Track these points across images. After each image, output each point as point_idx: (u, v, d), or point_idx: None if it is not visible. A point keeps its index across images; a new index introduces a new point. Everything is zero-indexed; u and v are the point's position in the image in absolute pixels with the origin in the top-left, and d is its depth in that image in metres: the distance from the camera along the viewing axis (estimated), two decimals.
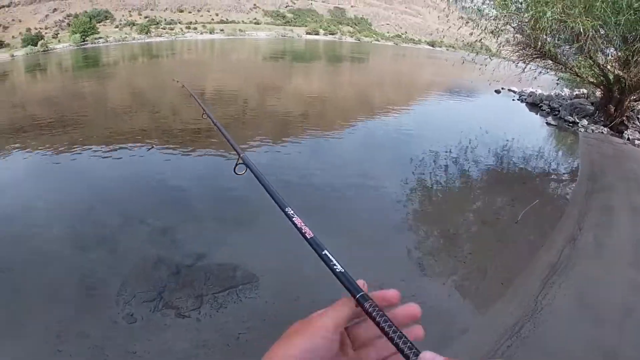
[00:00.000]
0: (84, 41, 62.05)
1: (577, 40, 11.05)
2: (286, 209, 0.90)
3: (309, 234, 0.82)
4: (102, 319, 3.69)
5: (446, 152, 9.43)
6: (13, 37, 66.90)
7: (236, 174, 1.32)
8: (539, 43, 12.36)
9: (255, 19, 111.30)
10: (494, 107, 17.69)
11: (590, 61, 13.09)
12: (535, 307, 4.11)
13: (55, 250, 4.81)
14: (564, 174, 8.85)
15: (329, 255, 0.74)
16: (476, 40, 14.32)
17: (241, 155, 1.27)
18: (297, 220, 0.85)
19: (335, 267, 0.72)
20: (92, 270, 4.39)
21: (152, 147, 8.80)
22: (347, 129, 11.52)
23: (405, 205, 6.55)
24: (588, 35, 10.28)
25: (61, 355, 3.34)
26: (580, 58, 13.53)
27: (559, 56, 13.86)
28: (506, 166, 8.99)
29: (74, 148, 8.71)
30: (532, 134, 12.42)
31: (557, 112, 15.56)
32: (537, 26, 10.91)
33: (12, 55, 48.09)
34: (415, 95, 20.63)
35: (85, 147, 8.79)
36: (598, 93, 15.74)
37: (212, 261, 4.51)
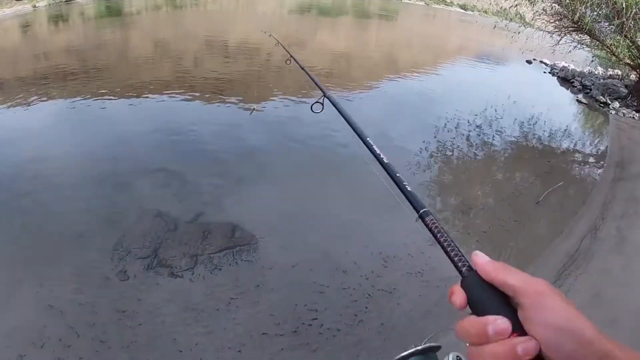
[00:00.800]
0: None
1: (619, 17, 10.36)
2: (366, 139, 1.06)
3: (386, 159, 0.93)
4: (96, 275, 3.57)
5: (470, 119, 9.03)
6: None
7: (313, 111, 1.62)
8: (577, 15, 11.63)
9: None
10: (523, 77, 16.95)
11: (629, 41, 12.35)
12: None
13: (61, 199, 4.67)
14: (591, 156, 8.43)
15: (401, 177, 0.85)
16: (511, 7, 13.60)
17: (326, 94, 1.56)
18: (375, 147, 0.99)
19: (406, 185, 0.80)
20: (93, 223, 4.25)
21: (172, 96, 8.60)
22: (371, 88, 11.19)
23: (422, 171, 6.29)
24: (631, 13, 9.61)
25: (52, 312, 3.24)
26: (618, 37, 12.77)
27: (597, 32, 13.09)
28: (531, 141, 8.59)
29: (94, 96, 8.50)
30: (561, 110, 11.89)
31: (588, 91, 14.85)
32: None
33: (35, 6, 47.20)
34: (443, 58, 19.92)
35: (105, 95, 8.56)
36: (633, 76, 14.93)
37: (212, 219, 4.31)
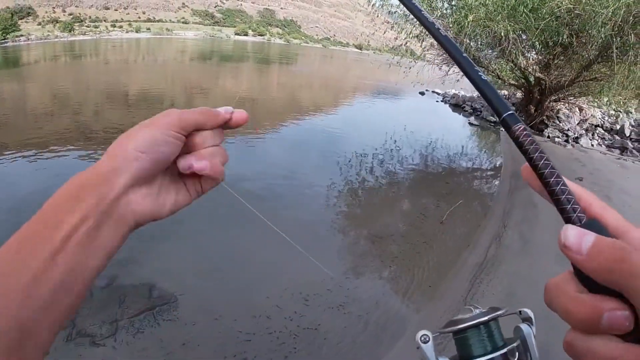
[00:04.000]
0: (4, 39, 58.51)
1: (500, 44, 11.50)
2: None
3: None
4: None
5: (373, 152, 9.53)
6: None
7: None
8: (462, 47, 12.71)
9: (183, 18, 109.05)
10: (418, 108, 18.14)
11: (512, 64, 13.70)
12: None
13: None
14: (487, 172, 9.15)
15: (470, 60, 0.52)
16: (401, 44, 14.59)
17: None
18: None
19: (479, 73, 0.51)
20: None
21: (71, 151, 8.23)
22: (276, 129, 11.53)
23: (332, 206, 6.53)
24: (510, 40, 10.71)
25: None
26: (502, 62, 14.11)
27: (482, 60, 14.38)
28: (431, 166, 9.18)
29: None
30: (456, 134, 12.83)
31: (479, 113, 16.19)
32: (460, 31, 11.24)
33: None
34: (342, 96, 20.89)
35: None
36: (519, 94, 16.53)
37: (127, 281, 4.18)
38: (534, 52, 13.30)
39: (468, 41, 12.47)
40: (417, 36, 13.63)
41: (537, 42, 11.65)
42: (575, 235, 0.37)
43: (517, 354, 0.49)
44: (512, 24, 10.28)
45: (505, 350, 0.49)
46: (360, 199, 7.14)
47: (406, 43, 14.35)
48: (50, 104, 14.01)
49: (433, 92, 21.60)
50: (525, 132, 0.45)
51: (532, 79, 13.88)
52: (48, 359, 1.55)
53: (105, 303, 3.87)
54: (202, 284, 4.20)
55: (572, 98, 13.99)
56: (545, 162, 0.42)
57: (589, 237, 0.36)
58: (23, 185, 6.70)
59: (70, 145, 8.67)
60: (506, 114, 0.47)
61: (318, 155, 9.39)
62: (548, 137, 12.49)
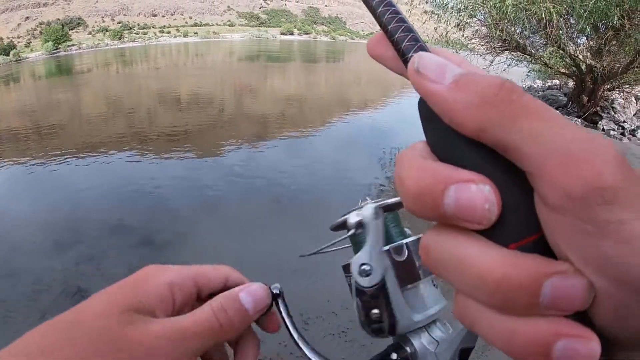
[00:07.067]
0: (56, 49, 61.87)
1: (544, 29, 10.78)
2: None
3: None
4: None
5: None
6: None
7: None
8: (504, 33, 12.04)
9: (229, 21, 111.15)
10: None
11: (561, 51, 12.83)
12: None
13: None
14: None
15: None
16: (441, 36, 14.02)
17: None
18: None
19: None
20: (15, 302, 4.03)
21: (122, 154, 8.46)
22: (325, 127, 11.49)
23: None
24: (554, 23, 10.00)
25: None
26: (550, 49, 13.25)
27: (528, 47, 13.56)
28: None
29: (42, 159, 8.43)
30: None
31: None
32: (500, 15, 10.61)
33: None
34: (388, 92, 20.44)
35: (54, 158, 8.45)
36: (571, 83, 15.49)
37: None
38: (584, 37, 12.37)
39: (511, 27, 11.77)
40: (457, 25, 12.99)
41: (586, 26, 10.79)
42: (436, 61, 0.24)
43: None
44: (555, 5, 9.52)
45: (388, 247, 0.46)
46: None
47: (447, 33, 13.72)
48: (104, 108, 14.51)
49: None
50: None
51: (583, 66, 12.90)
52: None
53: None
54: None
55: (627, 86, 12.88)
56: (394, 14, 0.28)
57: (455, 67, 0.23)
58: (79, 186, 6.99)
59: (123, 148, 8.98)
60: None
61: (366, 151, 9.23)
62: (603, 130, 11.55)
